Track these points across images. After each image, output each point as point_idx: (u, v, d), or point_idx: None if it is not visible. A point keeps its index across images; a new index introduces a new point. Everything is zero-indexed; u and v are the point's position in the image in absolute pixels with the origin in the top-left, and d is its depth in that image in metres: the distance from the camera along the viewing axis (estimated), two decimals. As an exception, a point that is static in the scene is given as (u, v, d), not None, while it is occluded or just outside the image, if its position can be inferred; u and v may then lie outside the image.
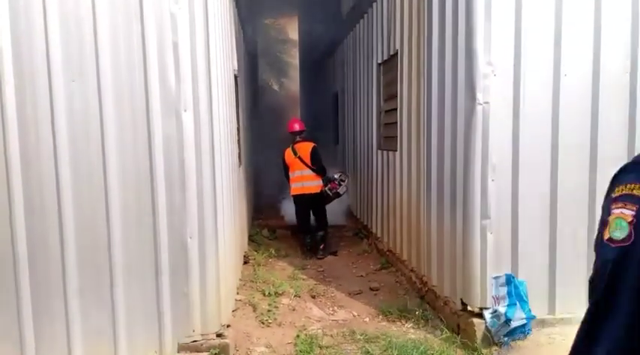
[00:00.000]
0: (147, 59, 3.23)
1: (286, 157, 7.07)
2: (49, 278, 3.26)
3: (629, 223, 0.84)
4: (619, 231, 0.85)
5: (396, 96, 5.73)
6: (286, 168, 7.13)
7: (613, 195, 0.89)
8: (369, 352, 3.78)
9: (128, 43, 3.22)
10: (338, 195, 7.25)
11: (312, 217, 7.25)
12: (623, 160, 3.77)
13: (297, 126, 7.15)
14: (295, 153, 6.97)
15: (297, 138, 7.08)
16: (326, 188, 7.07)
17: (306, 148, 6.99)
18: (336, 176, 7.30)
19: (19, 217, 3.21)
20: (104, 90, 3.21)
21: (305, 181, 7.01)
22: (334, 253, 7.03)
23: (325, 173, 7.10)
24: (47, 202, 3.23)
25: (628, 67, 3.76)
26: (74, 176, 3.24)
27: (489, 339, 3.69)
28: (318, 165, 6.97)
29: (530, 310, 3.70)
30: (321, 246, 7.01)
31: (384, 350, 3.77)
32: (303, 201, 7.11)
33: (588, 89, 3.76)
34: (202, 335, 3.45)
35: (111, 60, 3.21)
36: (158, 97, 3.27)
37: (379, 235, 6.82)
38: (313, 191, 7.02)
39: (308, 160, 6.93)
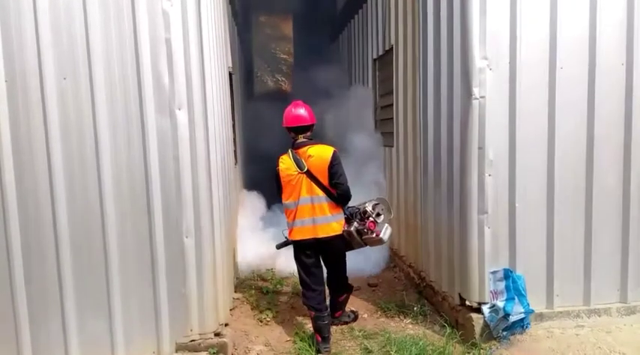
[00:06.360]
0: (139, 57, 3.20)
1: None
2: (45, 282, 3.23)
3: None
4: None
5: (392, 91, 5.72)
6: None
7: None
8: (367, 348, 3.77)
9: (120, 40, 3.18)
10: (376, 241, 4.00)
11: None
12: (620, 153, 3.74)
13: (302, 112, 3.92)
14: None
15: (301, 139, 3.93)
16: (351, 228, 3.93)
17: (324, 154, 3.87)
18: (369, 207, 4.01)
19: (14, 218, 3.17)
20: (96, 89, 3.18)
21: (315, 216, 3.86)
22: (353, 320, 4.40)
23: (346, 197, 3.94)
24: (40, 201, 3.19)
25: (624, 58, 3.75)
26: (67, 176, 3.21)
27: (488, 334, 3.69)
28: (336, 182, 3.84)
29: (528, 304, 3.69)
30: (337, 314, 4.30)
31: (383, 347, 3.77)
32: (306, 249, 3.93)
33: (584, 82, 3.74)
34: (200, 334, 3.44)
35: (103, 57, 3.17)
36: (152, 95, 3.24)
37: (377, 231, 6.80)
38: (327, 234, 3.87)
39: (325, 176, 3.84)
